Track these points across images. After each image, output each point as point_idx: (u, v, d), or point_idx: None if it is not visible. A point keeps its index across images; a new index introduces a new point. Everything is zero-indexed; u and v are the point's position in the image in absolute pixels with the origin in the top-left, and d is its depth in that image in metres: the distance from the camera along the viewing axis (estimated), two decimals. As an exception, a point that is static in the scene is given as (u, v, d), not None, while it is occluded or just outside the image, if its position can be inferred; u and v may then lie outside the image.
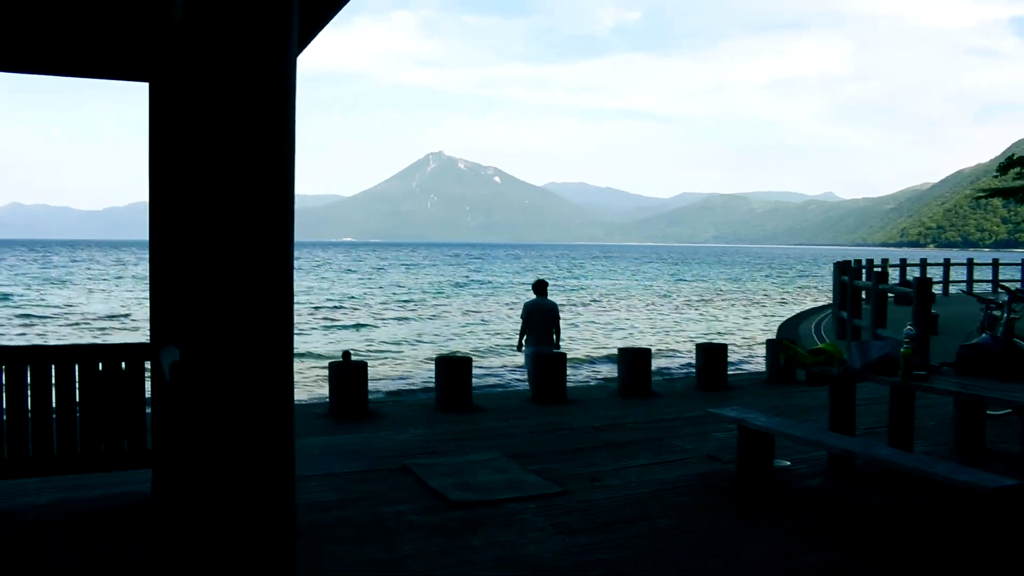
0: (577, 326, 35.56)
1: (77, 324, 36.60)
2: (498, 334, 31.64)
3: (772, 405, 10.55)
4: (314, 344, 29.32)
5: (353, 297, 53.61)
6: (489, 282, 75.95)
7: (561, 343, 12.50)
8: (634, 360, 11.61)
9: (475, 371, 22.22)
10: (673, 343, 30.15)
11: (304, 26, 5.85)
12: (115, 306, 45.78)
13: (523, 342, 12.30)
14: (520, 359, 13.94)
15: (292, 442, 2.26)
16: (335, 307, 45.56)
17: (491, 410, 10.35)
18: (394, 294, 57.23)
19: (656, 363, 14.47)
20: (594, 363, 23.72)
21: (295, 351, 2.38)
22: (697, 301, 53.42)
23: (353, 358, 19.27)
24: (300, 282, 70.43)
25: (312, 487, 6.89)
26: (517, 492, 6.67)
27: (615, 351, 15.95)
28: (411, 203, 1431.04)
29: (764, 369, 14.57)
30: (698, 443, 8.48)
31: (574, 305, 48.25)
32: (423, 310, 44.85)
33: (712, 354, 12.23)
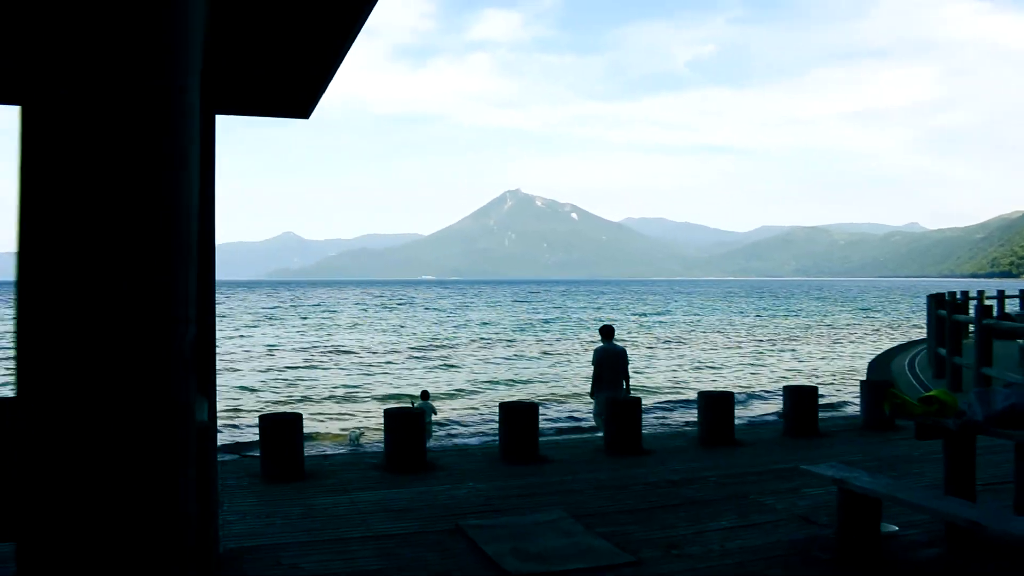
0: (656, 365, 34.46)
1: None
2: (576, 375, 30.71)
3: (870, 456, 9.50)
4: (392, 385, 29.00)
5: (438, 337, 53.24)
6: (567, 319, 75.06)
7: (631, 389, 12.16)
8: (715, 405, 10.68)
9: (549, 415, 21.65)
10: (757, 383, 28.83)
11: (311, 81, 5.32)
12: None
13: (595, 389, 12.15)
14: (589, 407, 13.46)
15: (188, 519, 1.56)
16: (419, 346, 45.34)
17: (559, 461, 9.55)
18: (477, 333, 56.69)
19: (740, 406, 13.47)
20: (673, 408, 22.61)
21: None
22: (781, 338, 51.56)
23: (429, 400, 19.05)
24: (386, 320, 70.81)
25: (356, 550, 6.24)
26: (582, 562, 5.87)
27: (695, 394, 15.00)
28: (489, 241, 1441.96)
29: (858, 412, 13.40)
30: (789, 501, 7.54)
31: (653, 343, 47.07)
32: (503, 349, 44.26)
33: (801, 398, 11.21)
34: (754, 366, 34.61)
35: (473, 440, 18.21)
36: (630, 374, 12.38)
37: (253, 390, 28.35)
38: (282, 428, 8.63)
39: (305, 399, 26.28)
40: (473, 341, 49.37)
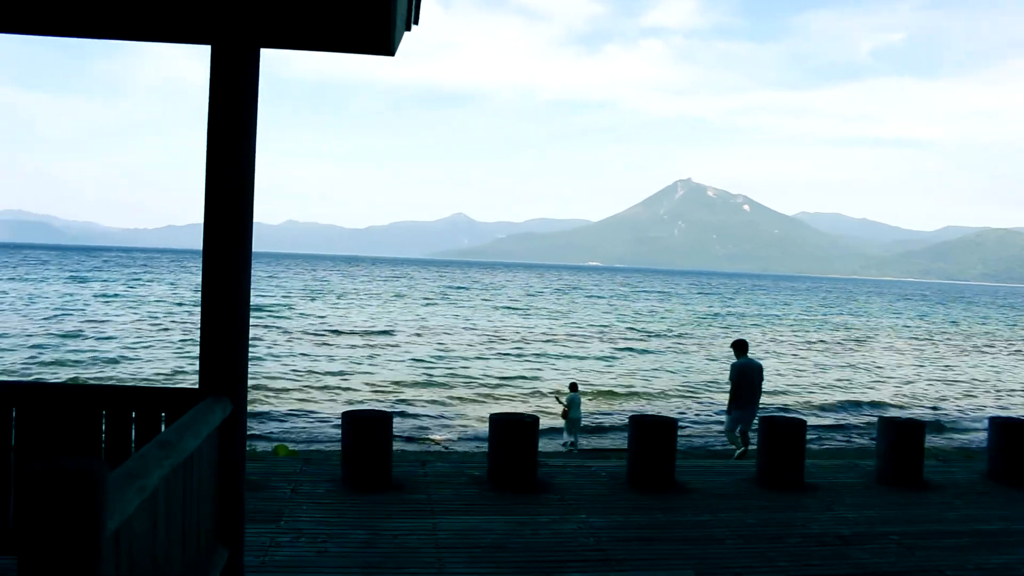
0: (828, 371, 31.49)
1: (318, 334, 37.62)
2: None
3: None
4: (542, 374, 27.85)
5: (604, 326, 51.52)
6: (741, 314, 71.51)
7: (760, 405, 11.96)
8: (900, 435, 8.61)
9: (695, 431, 19.66)
10: (944, 400, 25.58)
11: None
12: (356, 320, 47.10)
13: (732, 406, 11.88)
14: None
15: None
16: (579, 336, 44.00)
17: (698, 491, 7.85)
18: (641, 324, 54.50)
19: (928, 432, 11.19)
20: (846, 428, 20.01)
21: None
22: (973, 348, 46.66)
23: (578, 391, 17.65)
24: (544, 306, 70.00)
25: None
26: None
27: (872, 411, 12.87)
28: (658, 230, 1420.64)
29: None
30: (1005, 585, 5.58)
31: (826, 346, 43.66)
32: (666, 342, 42.12)
33: (1014, 434, 8.91)
34: (946, 381, 30.86)
35: (606, 445, 16.64)
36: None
37: (414, 369, 28.12)
38: (366, 429, 7.39)
39: (457, 383, 25.66)
40: (639, 331, 47.50)
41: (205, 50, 4.54)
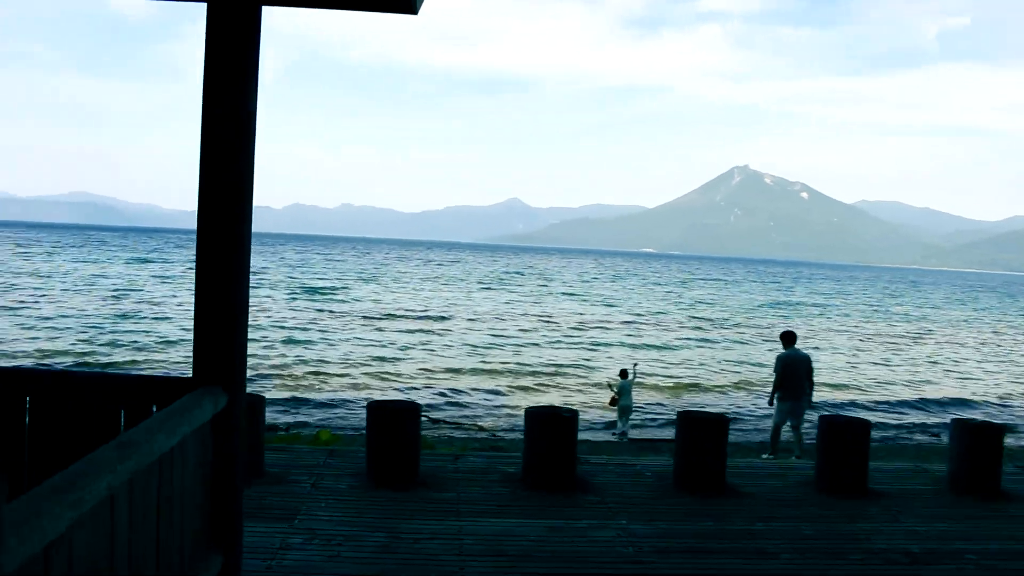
0: (890, 365, 30.30)
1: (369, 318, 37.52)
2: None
3: None
4: (596, 363, 27.27)
5: (661, 313, 50.49)
6: (800, 303, 69.75)
7: (814, 397, 11.69)
8: (975, 439, 7.86)
9: (747, 425, 18.81)
10: (1012, 398, 24.33)
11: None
12: (400, 304, 46.95)
13: (775, 397, 11.55)
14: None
15: None
16: (636, 323, 43.19)
17: (750, 496, 7.23)
18: (699, 312, 53.26)
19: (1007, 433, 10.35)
20: (911, 427, 18.95)
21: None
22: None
23: (628, 379, 17.09)
24: (601, 292, 69.20)
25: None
26: None
27: (936, 410, 12.06)
28: (714, 217, 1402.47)
29: None
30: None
31: (887, 339, 42.25)
32: (724, 331, 41.06)
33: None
34: (1018, 379, 29.36)
35: (657, 436, 15.98)
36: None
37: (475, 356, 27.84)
38: (392, 421, 6.90)
39: (509, 370, 25.26)
40: (691, 319, 46.51)
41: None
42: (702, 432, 7.42)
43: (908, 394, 23.89)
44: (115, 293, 44.61)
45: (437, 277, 79.58)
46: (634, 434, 17.23)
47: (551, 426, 7.13)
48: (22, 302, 37.11)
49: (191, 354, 4.00)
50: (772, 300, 71.11)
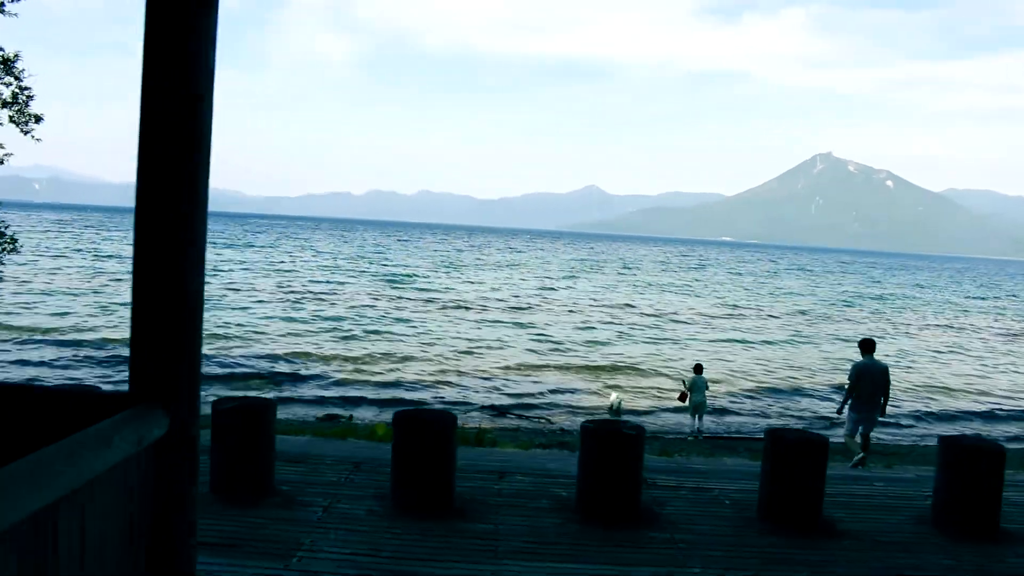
0: (998, 367, 28.06)
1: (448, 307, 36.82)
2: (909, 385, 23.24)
3: None
4: (680, 356, 25.96)
5: (747, 306, 48.24)
6: (892, 296, 66.65)
7: (887, 408, 11.11)
8: None
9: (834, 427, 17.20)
10: None
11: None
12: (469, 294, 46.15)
13: (846, 407, 11.03)
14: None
15: None
16: (721, 315, 41.46)
17: (853, 534, 5.92)
18: (788, 304, 50.85)
19: None
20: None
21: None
22: None
23: (703, 374, 15.97)
24: (685, 282, 67.38)
25: None
26: None
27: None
28: (793, 206, 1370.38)
29: None
30: None
31: (989, 337, 39.67)
32: (815, 325, 39.04)
33: None
34: None
35: (734, 434, 14.58)
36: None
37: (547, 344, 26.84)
38: (422, 433, 5.79)
39: (583, 363, 24.18)
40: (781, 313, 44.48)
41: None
42: (796, 456, 6.13)
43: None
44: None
45: (518, 265, 78.78)
46: (710, 424, 16.61)
47: (611, 447, 5.93)
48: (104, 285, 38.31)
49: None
50: (865, 292, 68.16)
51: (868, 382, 10.84)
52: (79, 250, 61.96)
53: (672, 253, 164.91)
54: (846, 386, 11.35)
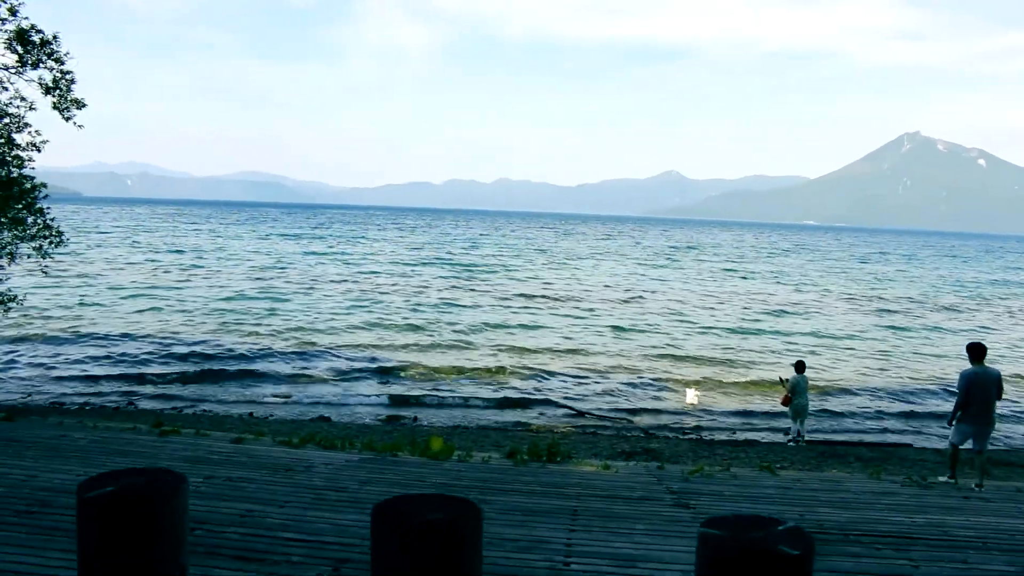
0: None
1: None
2: None
3: None
4: (775, 352, 24.65)
5: (845, 294, 46.42)
6: (996, 281, 63.22)
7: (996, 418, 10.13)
8: None
9: (936, 436, 15.67)
10: None
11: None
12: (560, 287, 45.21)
13: (956, 418, 10.08)
14: None
15: None
16: (818, 305, 39.76)
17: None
18: (888, 292, 48.55)
19: None
20: None
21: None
22: None
23: (805, 372, 14.79)
24: (776, 269, 65.30)
25: None
26: None
27: None
28: (880, 187, 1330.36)
29: None
30: None
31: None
32: (923, 316, 36.99)
33: None
34: None
35: (835, 438, 13.26)
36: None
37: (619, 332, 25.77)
38: (405, 543, 4.76)
39: (670, 359, 23.41)
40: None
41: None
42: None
43: None
44: (273, 265, 45.98)
45: (603, 253, 77.57)
46: (811, 423, 15.89)
47: None
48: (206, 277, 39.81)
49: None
50: (968, 279, 64.79)
51: (979, 392, 9.94)
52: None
53: (761, 236, 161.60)
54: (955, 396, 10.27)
